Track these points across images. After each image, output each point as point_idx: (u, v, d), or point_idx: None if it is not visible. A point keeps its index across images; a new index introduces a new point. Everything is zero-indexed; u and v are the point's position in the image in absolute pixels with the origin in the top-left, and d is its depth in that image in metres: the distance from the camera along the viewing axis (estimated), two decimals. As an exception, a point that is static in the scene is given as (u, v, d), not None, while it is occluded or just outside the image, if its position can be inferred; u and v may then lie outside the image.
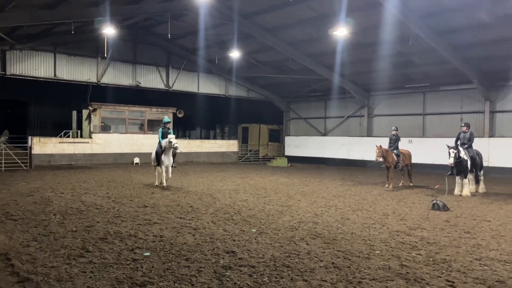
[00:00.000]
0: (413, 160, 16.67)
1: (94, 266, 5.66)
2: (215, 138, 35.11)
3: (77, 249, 6.43)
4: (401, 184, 15.75)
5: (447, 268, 5.79)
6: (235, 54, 23.83)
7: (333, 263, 5.96)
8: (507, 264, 6.02)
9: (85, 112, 25.23)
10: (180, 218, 9.02)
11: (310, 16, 18.96)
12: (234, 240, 7.14)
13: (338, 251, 6.58)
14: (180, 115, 27.96)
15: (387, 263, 5.99)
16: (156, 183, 14.54)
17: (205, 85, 29.44)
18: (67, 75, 24.08)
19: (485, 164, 14.84)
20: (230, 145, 30.43)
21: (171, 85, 27.59)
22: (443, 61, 19.34)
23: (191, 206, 10.47)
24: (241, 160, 30.22)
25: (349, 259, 6.15)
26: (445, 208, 10.34)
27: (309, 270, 5.62)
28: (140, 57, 26.51)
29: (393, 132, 16.19)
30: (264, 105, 32.71)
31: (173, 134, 14.32)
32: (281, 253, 6.39)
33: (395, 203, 11.63)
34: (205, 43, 23.56)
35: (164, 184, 13.91)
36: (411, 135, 23.17)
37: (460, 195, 13.04)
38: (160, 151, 13.97)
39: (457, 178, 13.33)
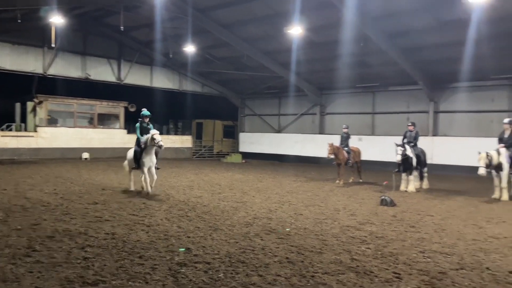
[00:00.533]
0: (363, 157, 17.26)
1: (42, 265, 5.44)
2: (168, 133, 34.52)
3: (23, 248, 6.14)
4: (351, 180, 16.28)
5: (394, 261, 6.08)
6: (190, 48, 23.54)
7: (287, 258, 6.08)
8: (448, 256, 6.41)
9: (30, 105, 23.98)
10: (133, 215, 8.83)
11: (266, 13, 19.09)
12: (188, 237, 7.10)
13: (292, 246, 6.72)
14: (132, 109, 27.27)
15: (338, 257, 6.20)
16: (132, 188, 12.22)
17: (158, 79, 28.91)
18: (10, 65, 22.79)
19: (428, 161, 15.61)
20: (184, 141, 30.10)
21: (122, 78, 26.84)
22: (392, 62, 20.13)
23: (143, 203, 10.28)
24: (195, 156, 29.97)
25: (302, 254, 6.30)
26: (392, 203, 10.81)
27: (263, 265, 5.70)
28: (90, 48, 25.55)
29: (344, 130, 16.74)
30: (219, 101, 32.58)
31: (155, 129, 11.89)
32: (236, 249, 6.44)
33: (346, 198, 12.01)
34: (159, 36, 23.04)
35: (149, 190, 11.39)
36: (361, 133, 23.95)
37: (406, 191, 13.67)
38: (140, 151, 11.61)
39: (403, 175, 13.96)
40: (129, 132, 27.88)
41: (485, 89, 20.53)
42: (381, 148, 21.62)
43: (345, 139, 16.56)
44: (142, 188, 11.60)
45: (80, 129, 25.11)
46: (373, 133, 24.62)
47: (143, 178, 11.52)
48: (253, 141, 30.57)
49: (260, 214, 9.26)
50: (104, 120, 26.82)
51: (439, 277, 5.44)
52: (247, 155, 29.18)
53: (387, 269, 5.69)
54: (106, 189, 12.40)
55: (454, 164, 20.27)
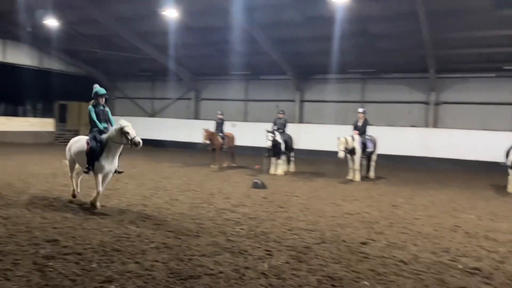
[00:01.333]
0: (236, 143, 17.87)
1: None
2: (25, 115, 30.98)
3: None
4: (225, 165, 16.75)
5: (266, 239, 6.53)
6: (52, 22, 21.33)
7: (164, 243, 6.08)
8: (312, 232, 7.12)
9: None
10: (-14, 207, 7.85)
11: (140, -8, 18.30)
12: (55, 228, 6.60)
13: (169, 231, 6.73)
14: (-20, 87, 23.77)
15: (214, 239, 6.42)
16: (77, 190, 8.95)
17: (13, 54, 25.68)
18: None
19: (295, 146, 16.85)
20: (44, 124, 27.39)
21: (-33, 51, 23.16)
22: (264, 53, 21.09)
23: (-2, 193, 9.18)
24: (58, 141, 27.48)
25: (179, 238, 6.36)
26: (263, 186, 11.49)
27: (140, 252, 5.62)
28: None
29: (219, 116, 17.13)
30: (86, 81, 29.98)
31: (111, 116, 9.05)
32: (110, 238, 6.21)
33: (221, 183, 12.37)
34: (14, 6, 20.30)
35: (98, 205, 8.08)
36: (235, 119, 24.64)
37: (275, 174, 14.63)
38: (99, 149, 8.17)
39: (273, 159, 14.90)
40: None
41: (343, 82, 22.84)
42: (253, 134, 22.59)
43: (219, 125, 16.95)
44: (73, 195, 8.77)
45: None
46: (245, 120, 25.58)
47: (76, 182, 8.78)
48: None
49: (135, 201, 9.03)
50: None
51: (304, 251, 6.02)
52: (118, 140, 27.76)
53: (260, 247, 6.10)
54: None
55: (317, 149, 22.25)
